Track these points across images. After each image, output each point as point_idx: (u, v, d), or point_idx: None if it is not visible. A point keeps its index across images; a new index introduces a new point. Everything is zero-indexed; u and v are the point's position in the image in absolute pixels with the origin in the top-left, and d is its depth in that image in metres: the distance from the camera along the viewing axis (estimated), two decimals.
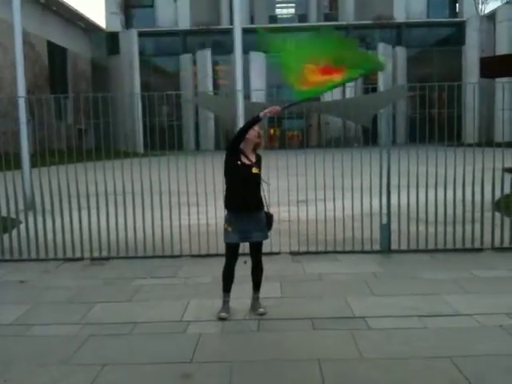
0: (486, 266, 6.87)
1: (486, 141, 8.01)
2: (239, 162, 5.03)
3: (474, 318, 4.94)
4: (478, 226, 7.65)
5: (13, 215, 8.13)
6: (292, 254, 7.62)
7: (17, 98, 11.70)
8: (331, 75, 4.99)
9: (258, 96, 28.58)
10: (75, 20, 52.13)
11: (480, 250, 7.58)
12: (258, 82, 51.23)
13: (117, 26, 54.11)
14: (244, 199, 5.02)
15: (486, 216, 7.74)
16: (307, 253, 7.62)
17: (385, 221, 7.61)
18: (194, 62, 54.00)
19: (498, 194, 7.83)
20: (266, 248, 5.56)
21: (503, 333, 4.60)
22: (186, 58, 54.57)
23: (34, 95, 10.81)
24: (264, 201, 5.18)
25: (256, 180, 5.08)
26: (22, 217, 8.20)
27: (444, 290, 5.79)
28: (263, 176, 5.20)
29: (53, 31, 46.82)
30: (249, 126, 4.98)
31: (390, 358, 4.15)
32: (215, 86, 53.23)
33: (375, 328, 4.77)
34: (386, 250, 7.56)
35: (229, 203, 5.14)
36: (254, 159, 5.12)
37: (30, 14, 35.92)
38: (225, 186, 5.22)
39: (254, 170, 5.04)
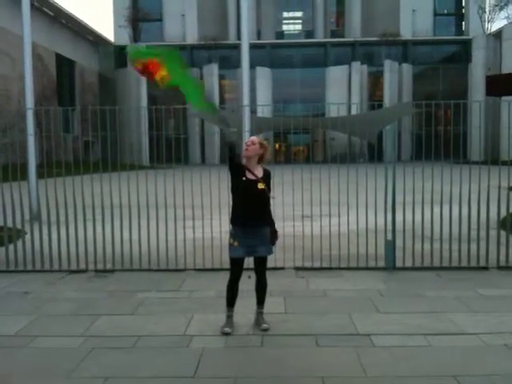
0: (492, 284, 6.83)
1: (492, 159, 8.01)
2: (244, 178, 5.02)
3: (479, 336, 4.91)
4: (483, 244, 7.62)
5: (18, 226, 8.15)
6: (296, 269, 7.59)
7: (25, 110, 11.80)
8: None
9: (264, 111, 28.70)
10: (84, 33, 52.72)
11: (485, 268, 7.54)
12: (264, 96, 51.52)
13: (125, 39, 54.62)
14: (250, 215, 5.01)
15: (492, 234, 7.71)
16: (312, 268, 7.60)
17: (390, 237, 7.59)
18: (201, 76, 54.38)
19: (503, 213, 7.81)
20: (270, 263, 5.55)
21: (508, 352, 4.57)
22: (192, 72, 54.88)
23: (41, 107, 10.89)
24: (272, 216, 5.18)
25: (262, 196, 5.03)
26: (27, 227, 8.22)
27: (449, 309, 5.75)
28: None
29: (61, 44, 47.35)
30: (230, 155, 5.02)
31: (395, 376, 4.13)
32: (221, 100, 53.58)
33: (379, 346, 4.74)
34: (390, 266, 7.52)
35: (234, 219, 5.13)
36: (260, 174, 5.08)
37: (38, 27, 36.35)
38: (230, 201, 5.23)
39: (260, 186, 5.00)
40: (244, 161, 5.12)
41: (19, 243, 8.01)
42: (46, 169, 7.91)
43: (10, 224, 8.08)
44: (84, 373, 4.23)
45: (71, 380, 4.11)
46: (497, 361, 4.41)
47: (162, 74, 5.27)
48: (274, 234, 5.20)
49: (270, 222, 5.20)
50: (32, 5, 14.44)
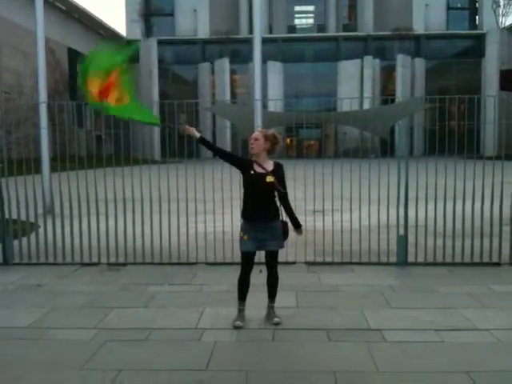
0: (504, 280, 6.79)
1: (506, 154, 7.94)
2: (252, 172, 5.01)
3: (492, 333, 4.88)
4: (496, 240, 7.57)
5: (32, 219, 8.22)
6: (308, 264, 7.59)
7: (38, 104, 11.87)
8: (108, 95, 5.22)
9: (276, 105, 28.65)
10: (96, 27, 52.84)
11: (498, 264, 7.50)
12: (276, 91, 51.38)
13: (137, 34, 54.77)
14: (259, 208, 5.01)
15: (505, 230, 7.65)
16: (323, 263, 7.59)
17: (402, 232, 7.56)
18: (213, 71, 54.37)
19: None
20: (281, 257, 5.55)
21: None
22: (204, 67, 54.95)
23: (54, 101, 10.95)
24: (280, 209, 5.17)
25: (271, 189, 5.02)
26: (40, 221, 8.28)
27: (461, 304, 5.72)
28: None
29: (74, 38, 47.54)
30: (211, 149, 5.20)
31: (406, 371, 4.12)
32: (233, 94, 53.52)
33: (391, 341, 4.73)
34: (402, 262, 7.50)
35: (244, 212, 5.14)
36: (270, 167, 5.06)
37: (51, 21, 36.46)
38: (242, 195, 5.23)
39: (269, 179, 4.97)
40: (253, 156, 5.12)
41: (32, 236, 8.08)
42: (60, 162, 7.96)
43: (23, 217, 8.15)
44: (97, 365, 4.27)
45: (84, 372, 4.15)
46: (510, 357, 4.38)
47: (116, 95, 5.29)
48: (298, 228, 5.26)
49: (290, 215, 5.21)
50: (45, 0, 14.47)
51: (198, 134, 5.18)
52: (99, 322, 5.27)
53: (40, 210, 8.33)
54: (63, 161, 7.90)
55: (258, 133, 5.13)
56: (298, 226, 5.26)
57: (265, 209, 5.03)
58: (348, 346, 4.65)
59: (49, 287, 6.63)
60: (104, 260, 7.75)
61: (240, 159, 5.19)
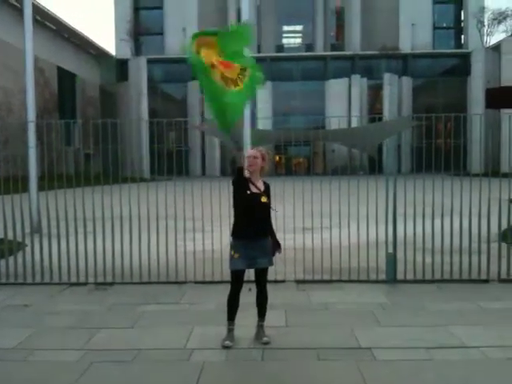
0: (493, 297, 6.80)
1: (493, 171, 8.01)
2: (248, 192, 5.03)
3: (481, 350, 4.87)
4: (484, 256, 7.59)
5: (19, 238, 8.14)
6: (297, 282, 7.57)
7: (26, 123, 11.82)
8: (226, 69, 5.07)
9: (265, 123, 28.77)
10: (85, 47, 53.01)
11: (486, 281, 7.52)
12: (265, 109, 51.62)
13: (126, 53, 54.95)
14: (253, 228, 5.02)
15: (493, 247, 7.69)
16: (312, 281, 7.57)
17: (391, 250, 7.57)
18: (202, 90, 54.50)
19: (504, 225, 7.79)
20: (270, 276, 5.53)
21: (510, 366, 4.53)
22: (193, 86, 55.11)
23: (43, 120, 10.94)
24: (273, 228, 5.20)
25: (265, 209, 5.08)
26: (28, 240, 8.19)
27: (450, 322, 5.72)
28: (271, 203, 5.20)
29: (63, 57, 47.62)
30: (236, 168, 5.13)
31: None
32: None
33: (381, 359, 4.71)
34: (391, 279, 7.49)
35: (237, 231, 5.12)
36: (262, 187, 5.11)
37: (41, 40, 36.59)
38: (231, 213, 5.22)
39: (263, 199, 5.04)
40: (247, 174, 5.12)
41: (19, 256, 7.99)
42: (47, 181, 7.91)
43: (10, 236, 8.06)
44: None
45: None
46: (499, 374, 4.38)
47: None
48: (278, 246, 5.26)
49: (271, 234, 5.23)
50: (34, 19, 14.54)
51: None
52: (86, 342, 5.20)
53: (27, 229, 8.25)
54: (51, 179, 7.86)
55: (255, 151, 5.14)
56: (277, 244, 5.27)
57: (259, 227, 5.05)
58: (338, 365, 4.62)
59: (36, 307, 6.54)
60: (92, 280, 7.67)
61: (237, 175, 5.12)
